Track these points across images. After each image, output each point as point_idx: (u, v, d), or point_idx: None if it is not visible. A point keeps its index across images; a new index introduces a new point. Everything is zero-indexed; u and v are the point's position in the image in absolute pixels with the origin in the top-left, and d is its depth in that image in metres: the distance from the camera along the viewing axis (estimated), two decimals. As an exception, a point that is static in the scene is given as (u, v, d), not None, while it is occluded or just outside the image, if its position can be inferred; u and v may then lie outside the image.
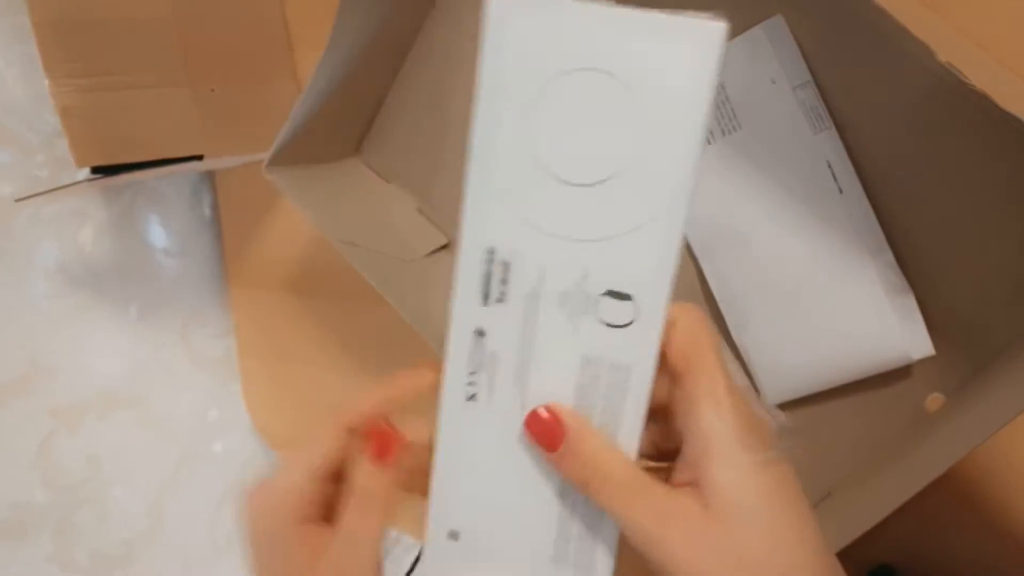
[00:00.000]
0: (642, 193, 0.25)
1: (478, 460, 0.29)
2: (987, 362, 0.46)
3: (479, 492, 0.29)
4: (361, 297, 0.58)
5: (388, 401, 0.31)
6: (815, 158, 0.46)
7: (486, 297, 0.27)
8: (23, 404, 0.60)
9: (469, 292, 0.27)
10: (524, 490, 0.28)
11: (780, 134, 0.46)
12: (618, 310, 0.26)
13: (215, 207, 0.69)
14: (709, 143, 0.48)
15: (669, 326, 0.27)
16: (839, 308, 0.47)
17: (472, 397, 0.28)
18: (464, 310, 0.27)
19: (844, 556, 0.33)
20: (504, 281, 0.27)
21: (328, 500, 0.32)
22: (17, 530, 0.59)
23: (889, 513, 0.38)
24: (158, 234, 0.67)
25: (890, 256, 0.46)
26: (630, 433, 0.27)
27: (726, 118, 0.48)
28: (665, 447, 0.29)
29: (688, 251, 0.50)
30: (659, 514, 0.26)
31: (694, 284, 0.51)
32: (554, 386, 0.27)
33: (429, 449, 0.30)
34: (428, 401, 0.30)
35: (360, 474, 0.30)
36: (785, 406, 0.50)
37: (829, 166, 0.46)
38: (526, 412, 0.27)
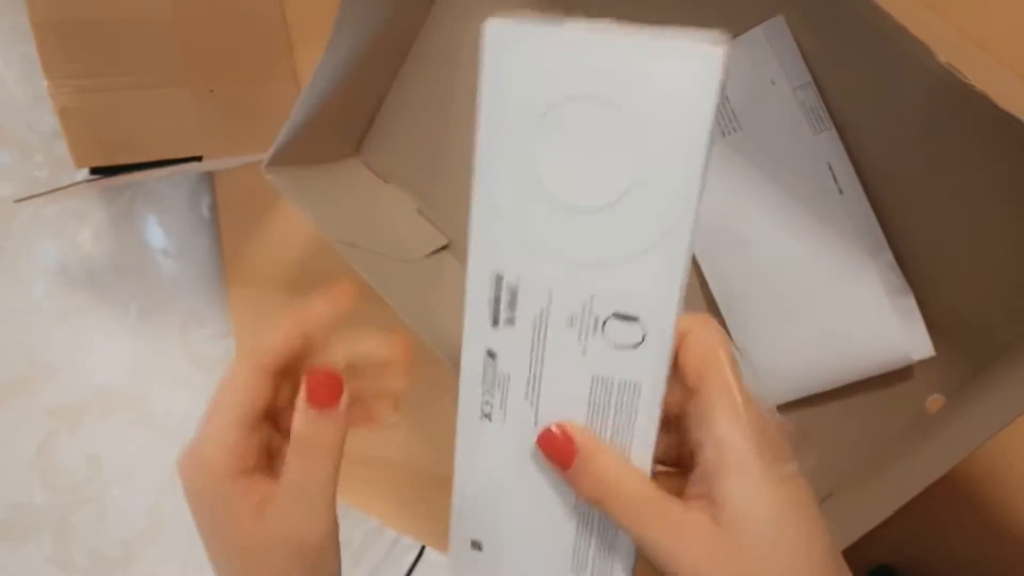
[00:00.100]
0: (646, 218, 0.24)
1: (495, 476, 0.29)
2: (988, 363, 0.46)
3: (497, 506, 0.29)
4: (360, 297, 0.57)
5: (303, 335, 0.30)
6: (815, 159, 0.46)
7: (496, 320, 0.27)
8: (22, 404, 0.60)
9: (479, 315, 0.27)
10: (541, 504, 0.29)
11: (780, 135, 0.46)
12: (626, 331, 0.26)
13: (214, 208, 0.69)
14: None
15: (681, 338, 0.27)
16: (839, 309, 0.47)
17: (487, 415, 0.28)
18: (475, 332, 0.28)
19: (844, 556, 0.33)
20: (512, 305, 0.27)
21: (266, 446, 0.30)
22: (17, 531, 0.59)
23: (890, 514, 0.38)
24: (157, 234, 0.67)
25: (890, 257, 0.46)
26: (643, 448, 0.27)
27: (726, 119, 0.47)
28: (682, 457, 0.29)
29: (688, 251, 0.51)
30: (672, 529, 0.26)
31: (695, 285, 0.51)
32: (566, 404, 0.27)
33: (353, 370, 0.29)
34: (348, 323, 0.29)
35: (299, 420, 0.28)
36: (786, 407, 0.50)
37: (829, 167, 0.46)
38: (539, 430, 0.28)
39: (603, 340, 0.26)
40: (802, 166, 0.46)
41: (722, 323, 0.50)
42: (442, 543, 0.63)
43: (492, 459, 0.29)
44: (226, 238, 0.69)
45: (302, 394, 0.28)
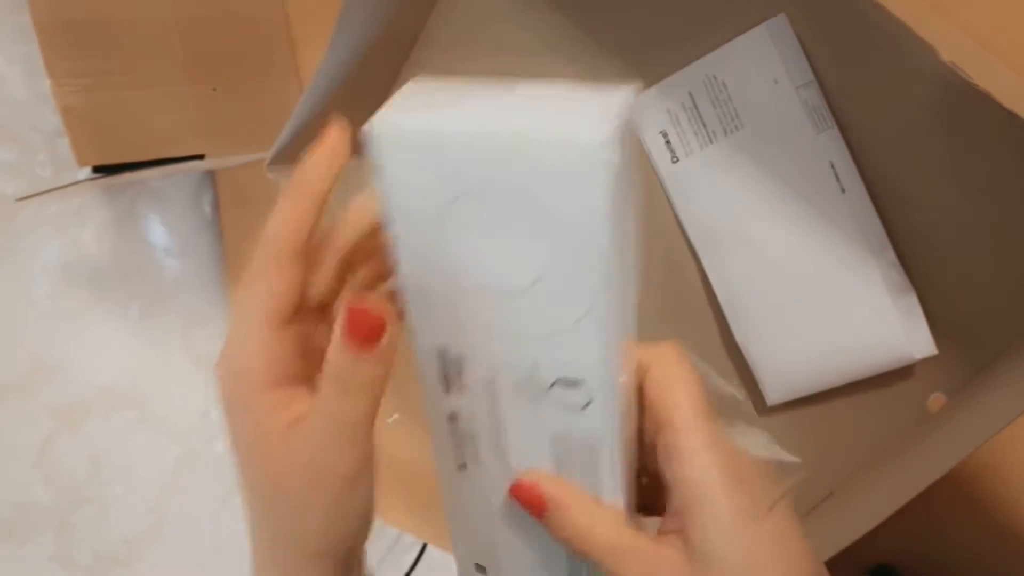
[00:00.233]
0: (571, 290, 0.24)
1: (481, 517, 0.30)
2: (989, 362, 0.46)
3: (490, 540, 0.30)
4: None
5: (312, 202, 0.27)
6: (818, 157, 0.46)
7: (447, 388, 0.27)
8: (25, 404, 0.60)
9: (432, 383, 0.28)
10: (529, 540, 0.29)
11: (783, 133, 0.46)
12: (573, 395, 0.26)
13: (216, 206, 0.69)
14: (711, 143, 0.48)
15: (643, 374, 0.27)
16: (841, 307, 0.47)
17: (462, 467, 0.29)
18: (432, 399, 0.28)
19: (844, 556, 0.33)
20: (460, 374, 0.27)
21: (306, 347, 0.27)
22: (19, 529, 0.59)
23: (891, 513, 0.38)
24: (159, 233, 0.67)
25: (892, 255, 0.46)
26: (612, 490, 0.27)
27: (728, 118, 0.47)
28: (659, 495, 0.29)
29: (690, 250, 0.50)
30: (645, 568, 0.26)
31: (696, 284, 0.51)
32: (533, 456, 0.28)
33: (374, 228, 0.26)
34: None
35: (335, 352, 0.25)
36: (787, 406, 0.50)
37: (832, 165, 0.46)
38: (512, 478, 0.28)
39: (552, 404, 0.26)
40: (804, 164, 0.46)
41: (724, 321, 0.50)
42: (443, 541, 0.63)
43: (476, 503, 0.29)
44: (228, 237, 0.69)
45: (339, 326, 0.24)
